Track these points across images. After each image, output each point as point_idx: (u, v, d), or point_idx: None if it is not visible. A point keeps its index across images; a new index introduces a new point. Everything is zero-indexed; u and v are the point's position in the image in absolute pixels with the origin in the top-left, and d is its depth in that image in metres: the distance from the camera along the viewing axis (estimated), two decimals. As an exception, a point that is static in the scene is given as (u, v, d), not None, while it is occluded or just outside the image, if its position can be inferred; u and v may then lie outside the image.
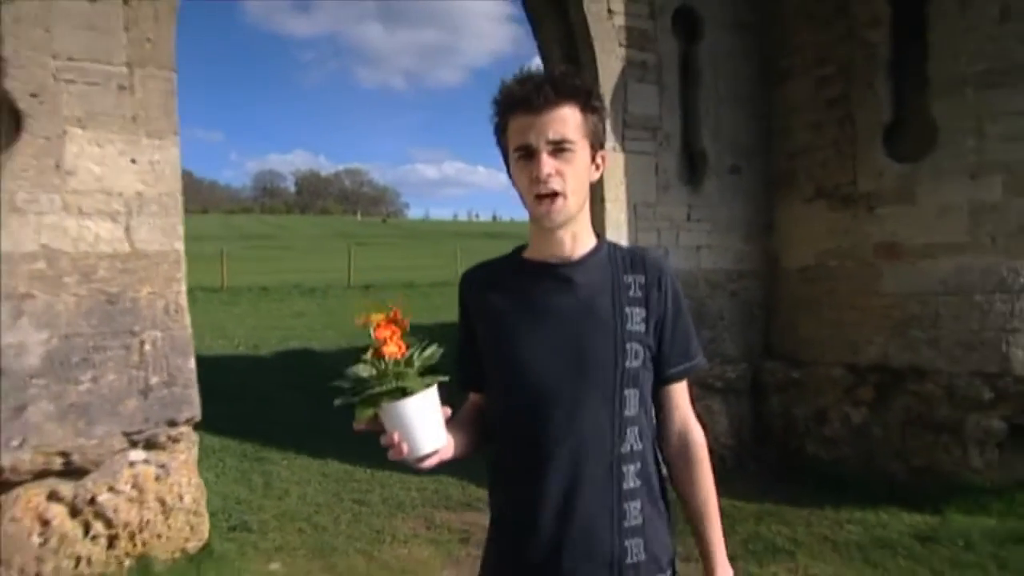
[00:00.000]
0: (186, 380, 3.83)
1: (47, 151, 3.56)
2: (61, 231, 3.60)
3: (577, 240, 1.34)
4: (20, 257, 3.51)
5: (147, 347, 3.75)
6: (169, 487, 3.75)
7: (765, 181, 5.90)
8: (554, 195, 1.26)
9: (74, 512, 3.51)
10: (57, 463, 3.43)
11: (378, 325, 1.18)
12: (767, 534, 4.28)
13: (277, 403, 8.20)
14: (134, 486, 3.64)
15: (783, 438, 5.53)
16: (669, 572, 1.35)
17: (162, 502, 3.72)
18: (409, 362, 1.18)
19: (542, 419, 1.28)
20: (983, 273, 4.55)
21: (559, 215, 1.28)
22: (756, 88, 5.86)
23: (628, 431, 1.30)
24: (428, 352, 1.20)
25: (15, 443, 3.34)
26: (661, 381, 1.37)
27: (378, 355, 1.17)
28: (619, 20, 5.33)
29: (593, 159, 1.32)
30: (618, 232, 5.21)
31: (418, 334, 1.22)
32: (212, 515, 4.17)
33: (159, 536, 3.69)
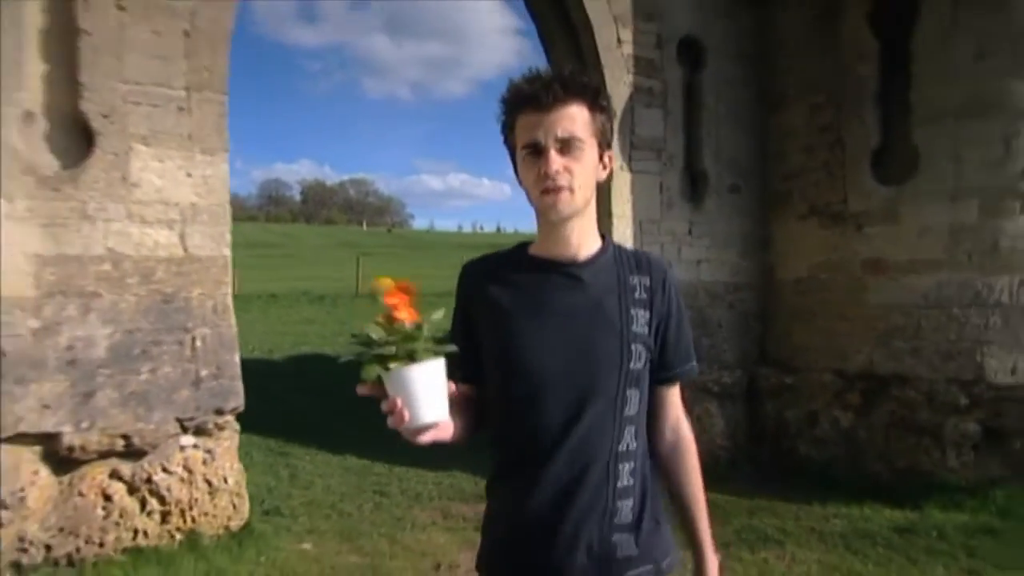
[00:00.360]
0: (232, 373, 4.23)
1: (115, 165, 3.98)
2: (125, 237, 4.01)
3: (584, 238, 1.34)
4: (89, 259, 3.92)
5: (198, 343, 4.15)
6: (215, 470, 4.13)
7: (762, 200, 6.30)
8: (560, 189, 1.26)
9: (132, 489, 3.90)
10: (119, 444, 3.81)
11: (388, 291, 1.17)
12: (759, 525, 4.63)
13: (295, 404, 8.59)
14: (185, 468, 4.02)
15: (776, 440, 5.89)
16: (664, 566, 1.36)
17: (209, 483, 4.10)
18: (419, 328, 1.16)
19: (544, 416, 1.28)
20: (960, 288, 4.94)
21: (566, 207, 1.27)
22: (754, 113, 6.27)
23: (626, 430, 1.32)
24: (436, 317, 1.19)
25: (84, 425, 3.73)
26: (661, 381, 1.39)
27: (388, 320, 1.16)
28: (627, 49, 5.75)
29: (601, 158, 1.32)
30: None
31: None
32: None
33: (206, 514, 4.07)
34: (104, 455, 3.81)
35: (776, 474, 5.72)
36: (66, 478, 3.75)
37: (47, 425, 3.65)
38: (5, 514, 3.51)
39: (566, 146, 1.25)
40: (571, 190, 1.26)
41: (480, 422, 1.39)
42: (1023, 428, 4.65)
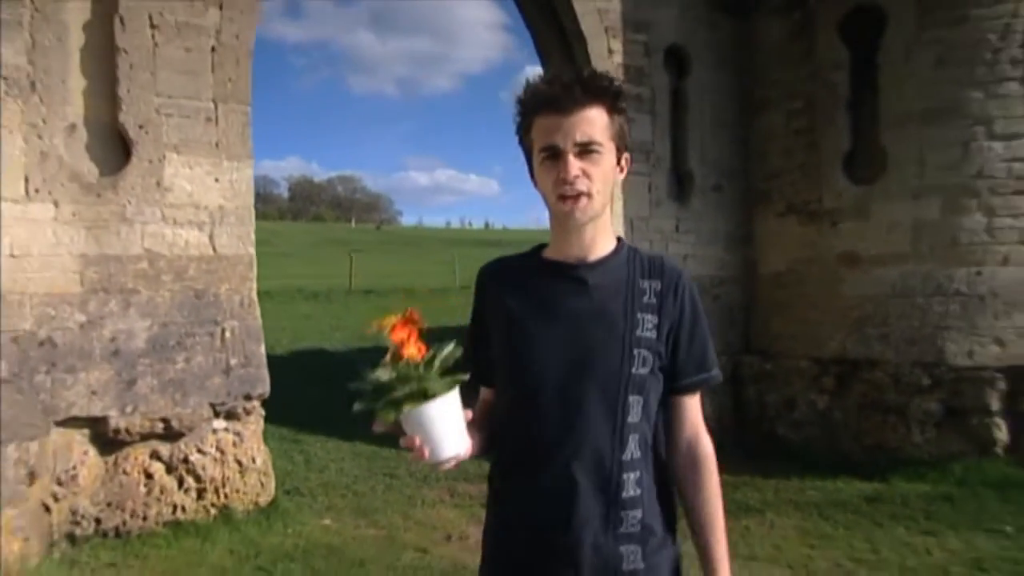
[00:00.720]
0: (258, 362, 4.60)
1: (150, 172, 4.34)
2: (160, 237, 4.37)
3: (596, 241, 1.32)
4: (128, 259, 4.27)
5: (227, 334, 4.52)
6: (244, 451, 4.51)
7: (744, 198, 6.72)
8: (579, 195, 1.24)
9: (170, 469, 4.26)
10: (159, 427, 4.18)
11: (394, 327, 1.15)
12: (741, 498, 5.06)
13: (301, 396, 8.93)
14: (217, 449, 4.39)
15: (758, 422, 6.33)
16: None
17: (239, 463, 4.47)
18: (430, 363, 1.15)
19: (541, 419, 1.27)
20: (923, 279, 5.40)
21: (584, 214, 1.26)
22: (737, 117, 6.69)
23: (630, 438, 1.27)
24: (447, 351, 1.18)
25: (128, 409, 4.09)
26: (674, 391, 1.34)
27: (397, 358, 1.14)
28: (618, 58, 6.16)
29: (619, 161, 1.31)
30: (616, 242, 6.02)
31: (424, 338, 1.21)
32: (270, 480, 4.92)
33: (237, 491, 4.44)
34: (145, 437, 4.17)
35: (758, 454, 6.15)
36: (111, 458, 4.11)
37: (95, 410, 4.01)
38: (60, 490, 3.87)
39: (585, 150, 1.23)
40: (589, 196, 1.25)
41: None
42: (980, 407, 5.10)
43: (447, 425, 1.15)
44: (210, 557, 3.95)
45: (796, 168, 6.18)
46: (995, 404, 5.05)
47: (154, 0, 4.30)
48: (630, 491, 1.27)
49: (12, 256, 3.93)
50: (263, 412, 4.71)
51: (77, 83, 4.17)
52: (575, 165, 1.23)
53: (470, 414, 1.21)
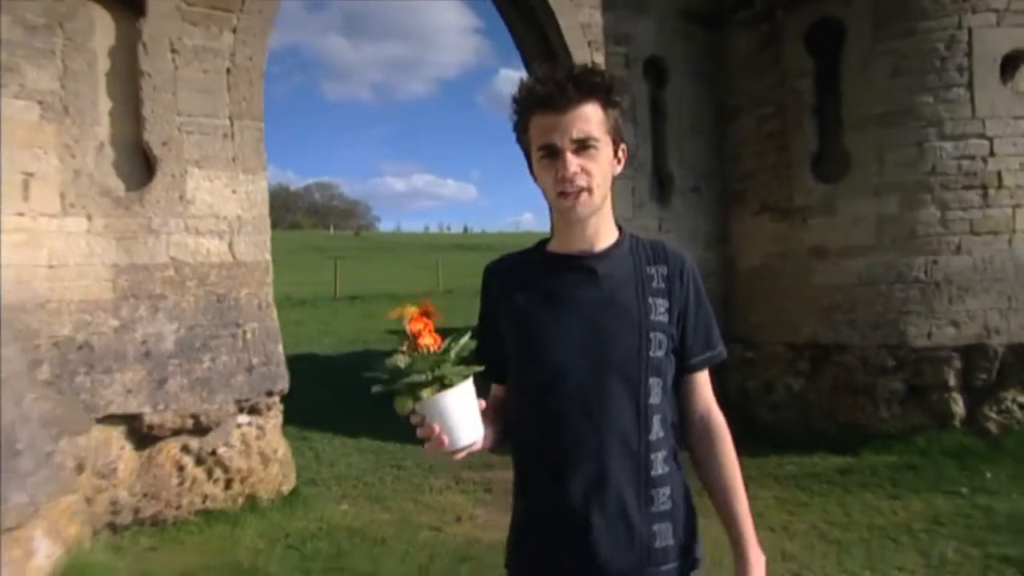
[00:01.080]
0: (278, 361, 4.93)
1: (173, 186, 4.66)
2: (184, 246, 4.69)
3: (600, 232, 1.35)
4: (155, 267, 4.59)
5: (248, 335, 4.85)
6: (267, 443, 4.83)
7: (721, 198, 7.18)
8: (579, 191, 1.27)
9: (199, 461, 4.58)
10: (189, 423, 4.50)
11: (412, 318, 1.19)
12: (726, 474, 5.50)
13: (305, 397, 9.19)
14: (242, 442, 4.72)
15: (739, 407, 6.76)
16: (696, 558, 1.36)
17: (262, 455, 4.80)
18: (446, 353, 1.19)
19: (568, 410, 1.29)
20: (885, 268, 5.89)
21: (584, 209, 1.29)
22: (712, 123, 7.15)
23: (654, 419, 1.31)
24: (462, 342, 1.22)
25: (160, 407, 4.41)
26: (685, 370, 1.38)
27: (413, 347, 1.18)
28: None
29: (616, 153, 1.33)
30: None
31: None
32: (287, 473, 5.24)
33: (261, 480, 4.77)
34: (176, 432, 4.49)
35: (741, 435, 6.48)
36: (145, 452, 4.42)
37: (131, 407, 4.32)
38: (101, 482, 4.17)
39: (582, 147, 1.26)
40: (589, 191, 1.28)
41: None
42: (938, 384, 5.59)
43: (465, 413, 1.19)
44: (243, 540, 4.28)
45: (768, 169, 6.65)
46: (952, 380, 5.55)
47: (174, 26, 4.62)
48: (658, 469, 1.31)
49: (50, 267, 4.23)
50: (282, 407, 5.04)
51: (105, 105, 4.49)
52: (573, 162, 1.26)
53: (484, 404, 1.25)
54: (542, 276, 1.36)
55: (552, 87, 1.25)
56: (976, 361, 5.50)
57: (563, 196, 1.27)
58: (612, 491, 1.28)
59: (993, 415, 5.50)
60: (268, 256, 5.04)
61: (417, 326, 1.19)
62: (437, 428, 1.17)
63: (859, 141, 6.03)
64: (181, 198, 4.68)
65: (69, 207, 4.31)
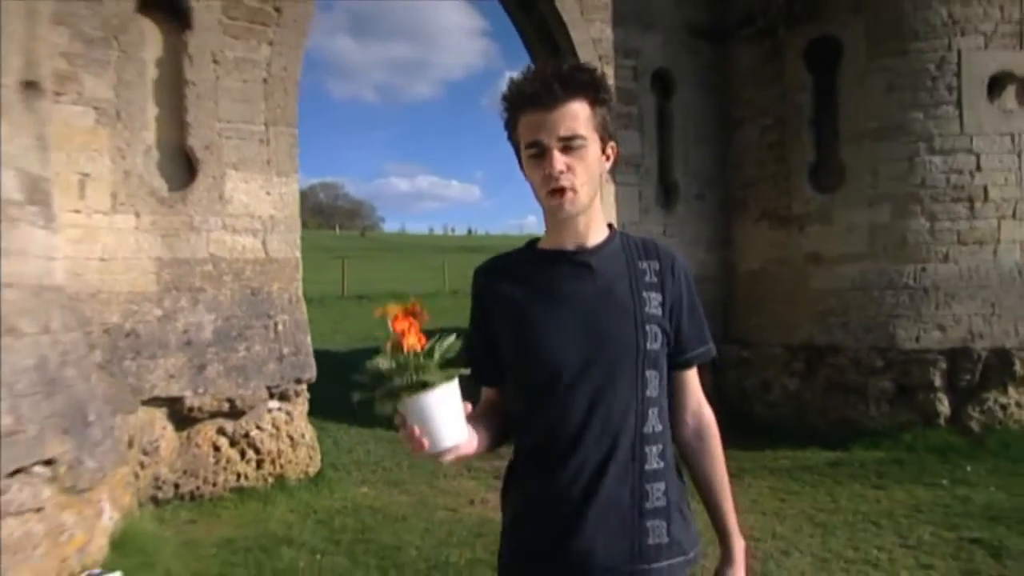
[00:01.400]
0: (306, 351, 5.28)
1: (213, 187, 5.02)
2: (222, 243, 5.05)
3: (591, 228, 1.35)
4: (196, 262, 4.95)
5: (279, 327, 5.20)
6: (295, 427, 5.19)
7: (723, 205, 7.53)
8: (564, 190, 1.27)
9: (233, 443, 4.93)
10: (225, 407, 4.85)
11: (396, 317, 1.15)
12: (723, 466, 5.83)
13: (319, 390, 9.58)
14: (273, 426, 5.07)
15: (737, 405, 7.10)
16: (692, 557, 1.34)
17: (291, 438, 5.15)
18: (429, 354, 1.16)
19: (565, 403, 1.29)
20: (877, 275, 6.23)
21: (572, 207, 1.29)
22: (716, 133, 7.50)
23: (650, 412, 1.31)
24: (447, 343, 1.19)
25: (200, 391, 4.76)
26: (679, 364, 1.39)
27: (397, 348, 1.16)
28: (610, 82, 6.87)
29: (604, 150, 1.33)
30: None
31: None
32: (311, 457, 5.59)
33: (290, 462, 5.12)
34: (213, 415, 4.84)
35: (738, 431, 6.88)
36: (185, 433, 4.78)
37: (173, 391, 4.68)
38: (145, 459, 4.53)
39: (569, 145, 1.26)
40: (575, 189, 1.27)
41: (508, 428, 1.40)
42: (925, 384, 5.92)
43: (446, 415, 1.15)
44: (275, 515, 4.63)
45: (768, 178, 7.00)
46: (938, 381, 5.88)
47: (216, 39, 4.99)
48: (653, 464, 1.30)
49: (102, 260, 4.60)
50: (308, 395, 5.40)
51: (152, 111, 4.85)
52: (560, 160, 1.25)
53: (469, 407, 1.22)
54: (536, 272, 1.36)
55: (539, 85, 1.26)
56: (961, 363, 5.83)
57: (551, 194, 1.28)
58: (607, 484, 1.28)
59: (976, 414, 5.83)
60: (298, 253, 5.39)
61: (402, 326, 1.17)
62: (417, 430, 1.14)
63: (854, 154, 6.37)
64: (220, 198, 5.04)
65: (119, 205, 4.68)
